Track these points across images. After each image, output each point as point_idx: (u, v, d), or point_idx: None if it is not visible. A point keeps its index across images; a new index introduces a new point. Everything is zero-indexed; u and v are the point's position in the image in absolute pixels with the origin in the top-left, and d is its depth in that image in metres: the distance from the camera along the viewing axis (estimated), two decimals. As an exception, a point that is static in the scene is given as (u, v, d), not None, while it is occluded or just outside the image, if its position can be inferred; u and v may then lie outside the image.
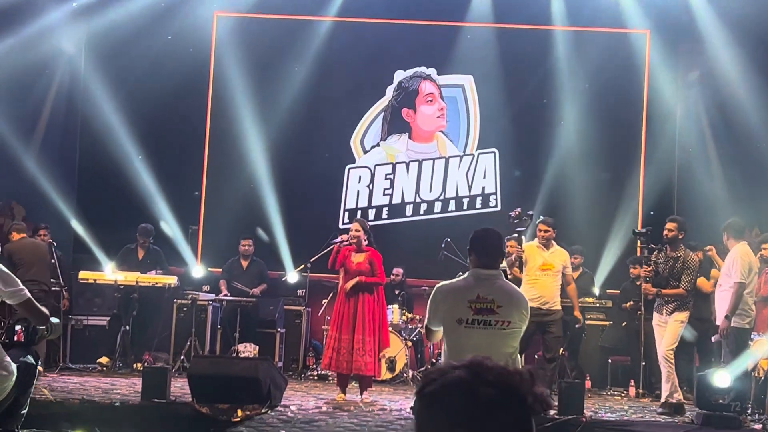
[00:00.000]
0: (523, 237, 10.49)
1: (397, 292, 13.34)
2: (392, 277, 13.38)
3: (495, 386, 1.64)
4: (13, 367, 5.63)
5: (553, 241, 10.73)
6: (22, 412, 5.85)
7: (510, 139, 14.60)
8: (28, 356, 5.91)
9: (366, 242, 10.50)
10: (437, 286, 5.84)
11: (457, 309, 5.59)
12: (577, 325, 11.41)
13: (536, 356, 12.42)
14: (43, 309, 6.02)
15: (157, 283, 12.72)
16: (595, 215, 13.78)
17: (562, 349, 10.95)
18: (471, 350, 5.59)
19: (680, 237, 10.10)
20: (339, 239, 10.70)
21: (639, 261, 11.54)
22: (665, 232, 10.13)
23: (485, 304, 5.60)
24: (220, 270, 13.62)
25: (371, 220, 14.22)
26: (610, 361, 12.46)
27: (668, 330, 9.88)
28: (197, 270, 13.97)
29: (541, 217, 10.93)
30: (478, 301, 5.60)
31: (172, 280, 12.83)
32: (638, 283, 10.58)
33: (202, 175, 14.81)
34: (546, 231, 10.67)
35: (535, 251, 10.58)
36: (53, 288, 11.76)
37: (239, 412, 8.74)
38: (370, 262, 10.36)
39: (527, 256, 10.53)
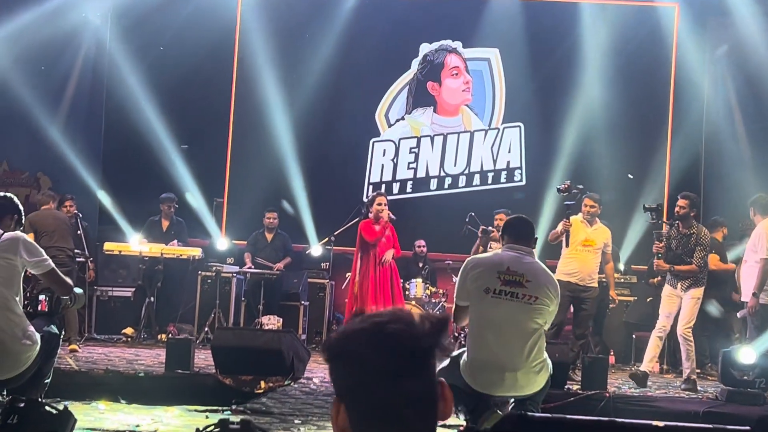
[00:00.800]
0: (570, 211, 10.40)
1: (420, 265, 13.30)
2: (415, 249, 13.36)
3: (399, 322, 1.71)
4: (37, 336, 5.66)
5: (597, 218, 10.64)
6: (46, 381, 5.89)
7: (535, 112, 14.51)
8: (52, 326, 5.94)
9: (387, 218, 10.53)
10: (469, 258, 6.01)
11: (486, 278, 5.70)
12: (611, 305, 11.36)
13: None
14: (67, 279, 6.04)
15: (181, 255, 12.75)
16: (620, 190, 13.67)
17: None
18: (496, 321, 5.64)
19: (692, 214, 10.02)
20: (388, 218, 10.58)
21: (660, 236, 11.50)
22: (677, 209, 10.06)
23: (514, 276, 5.70)
24: (245, 242, 13.63)
25: (395, 194, 14.25)
26: (634, 336, 12.41)
27: (685, 308, 9.82)
28: (222, 242, 13.99)
29: (588, 192, 10.77)
30: (508, 273, 5.71)
31: (196, 252, 12.85)
32: (653, 261, 10.48)
33: (226, 146, 14.82)
34: (592, 206, 10.54)
35: (578, 226, 10.49)
36: (78, 258, 11.80)
37: (262, 384, 8.77)
38: (393, 235, 10.39)
39: (572, 231, 10.42)
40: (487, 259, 5.89)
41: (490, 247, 11.89)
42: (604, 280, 10.99)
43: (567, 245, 10.45)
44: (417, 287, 12.65)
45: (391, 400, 1.66)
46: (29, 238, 5.77)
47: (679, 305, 9.92)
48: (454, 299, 5.96)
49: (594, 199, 10.63)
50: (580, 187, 10.61)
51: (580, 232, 10.47)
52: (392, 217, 10.47)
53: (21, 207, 5.97)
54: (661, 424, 3.51)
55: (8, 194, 6.03)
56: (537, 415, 4.03)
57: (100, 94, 14.81)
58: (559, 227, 10.40)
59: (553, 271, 6.84)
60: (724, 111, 14.01)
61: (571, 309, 10.60)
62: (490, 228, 11.76)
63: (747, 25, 13.62)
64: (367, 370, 1.67)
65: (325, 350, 1.76)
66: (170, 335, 11.74)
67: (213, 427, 3.95)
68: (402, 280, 11.90)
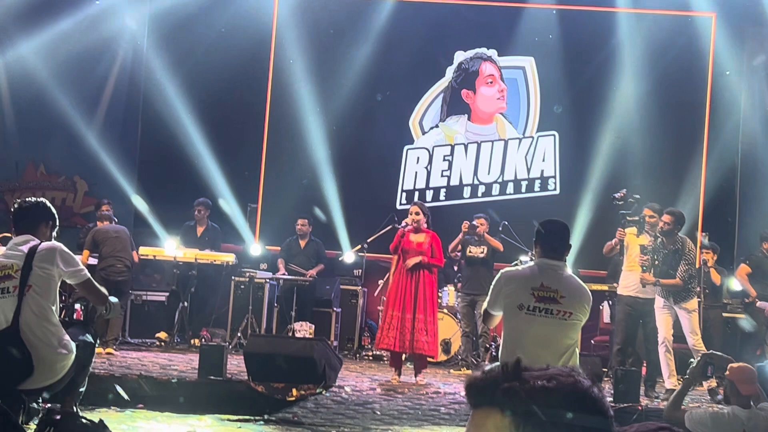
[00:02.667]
0: (626, 219, 10.33)
1: (456, 268, 13.26)
2: (449, 254, 13.36)
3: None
4: (73, 345, 5.72)
5: (646, 227, 10.53)
6: (81, 390, 5.94)
7: (570, 121, 14.46)
8: (87, 335, 6.00)
9: (425, 224, 10.51)
10: (502, 271, 5.90)
11: (520, 295, 5.62)
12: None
13: (592, 341, 12.40)
14: (102, 289, 6.09)
15: (215, 261, 12.81)
16: (656, 200, 13.57)
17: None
18: (530, 338, 5.60)
19: (676, 231, 9.99)
20: (403, 224, 10.65)
21: (708, 247, 11.49)
22: (661, 225, 10.02)
23: (548, 292, 5.62)
24: (278, 248, 13.69)
25: (428, 202, 14.20)
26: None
27: (686, 323, 9.88)
28: (255, 248, 14.06)
29: (648, 203, 10.69)
30: (542, 289, 5.62)
31: (230, 257, 12.91)
32: (640, 275, 10.38)
33: (261, 153, 14.89)
34: (651, 216, 10.41)
35: (634, 240, 10.40)
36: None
37: (294, 392, 8.81)
38: (431, 245, 10.38)
39: (629, 242, 10.33)
40: (521, 275, 5.81)
41: (469, 251, 12.00)
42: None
43: (621, 255, 10.40)
44: (450, 295, 12.63)
45: None
46: (65, 248, 5.82)
47: (674, 316, 9.94)
48: (485, 306, 5.90)
49: (653, 209, 10.50)
50: (637, 197, 10.53)
51: (636, 246, 10.35)
52: (409, 224, 10.46)
53: (55, 213, 6.02)
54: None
55: (42, 200, 6.06)
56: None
57: (136, 99, 14.94)
58: (614, 239, 10.37)
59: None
60: (761, 122, 13.90)
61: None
62: (475, 224, 11.84)
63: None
64: None
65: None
66: (203, 340, 11.82)
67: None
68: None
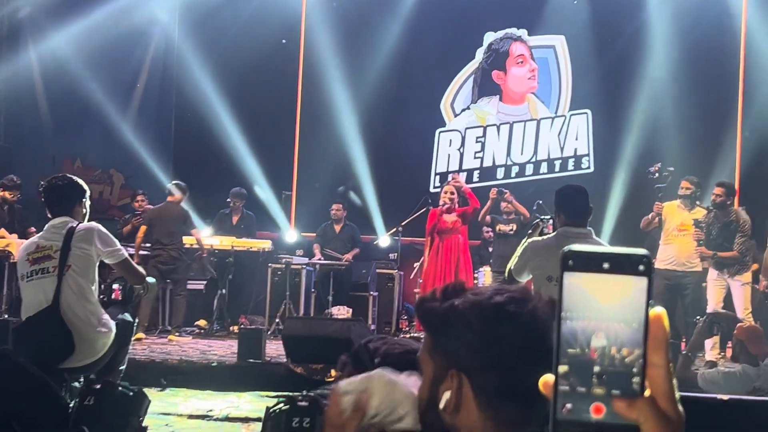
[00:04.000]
0: (660, 193, 10.33)
1: (491, 250, 13.26)
2: (483, 236, 13.36)
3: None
4: (112, 324, 5.79)
5: (697, 202, 10.51)
6: (121, 368, 6.02)
7: (603, 99, 14.39)
8: (126, 314, 6.08)
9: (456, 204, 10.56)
10: (529, 241, 5.87)
11: (548, 266, 5.60)
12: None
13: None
14: (140, 269, 6.17)
15: (251, 248, 12.90)
16: (689, 174, 13.45)
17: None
18: (561, 307, 5.58)
19: (728, 202, 9.97)
20: (442, 205, 10.63)
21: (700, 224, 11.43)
22: (713, 197, 10.03)
23: (576, 262, 5.59)
24: (313, 234, 13.75)
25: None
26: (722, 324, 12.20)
27: (738, 296, 9.83)
28: (291, 234, 14.14)
29: (686, 176, 10.68)
30: (569, 259, 5.59)
31: (266, 244, 12.98)
32: (696, 249, 10.35)
33: (294, 139, 14.96)
34: (687, 189, 10.40)
35: (674, 210, 10.38)
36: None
37: (332, 372, 8.85)
38: (462, 215, 10.42)
39: (666, 215, 10.35)
40: (547, 246, 5.77)
41: (499, 229, 12.02)
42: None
43: (662, 230, 10.39)
44: (485, 276, 12.64)
45: (525, 381, 1.55)
46: (103, 228, 5.89)
47: (727, 289, 9.92)
48: (510, 270, 5.88)
49: (690, 181, 10.47)
50: (671, 169, 10.51)
51: (676, 217, 10.34)
52: (464, 189, 10.50)
53: (84, 185, 6.08)
54: (725, 397, 3.49)
55: (69, 177, 6.11)
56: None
57: (169, 89, 15.06)
58: (652, 213, 10.36)
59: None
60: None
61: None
62: (504, 190, 12.00)
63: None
64: (505, 349, 1.63)
65: (448, 316, 1.68)
66: (242, 326, 11.90)
67: (282, 404, 4.05)
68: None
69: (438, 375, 1.70)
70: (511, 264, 5.86)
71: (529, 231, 6.46)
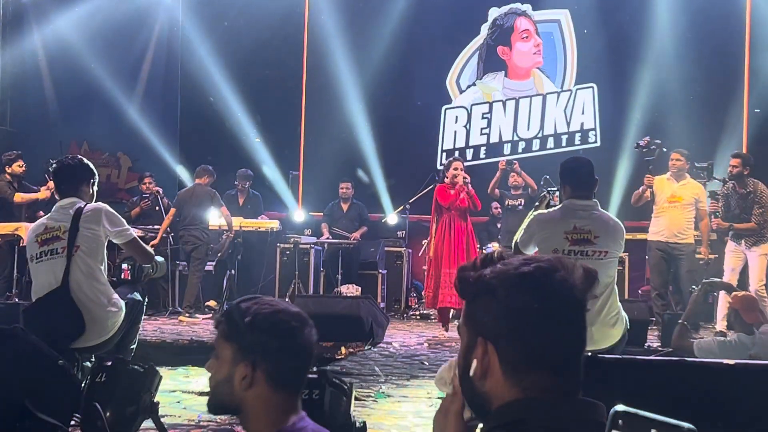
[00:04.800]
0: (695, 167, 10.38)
1: (499, 226, 13.27)
2: (492, 212, 13.37)
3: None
4: (122, 303, 5.82)
5: (687, 174, 10.56)
6: (132, 347, 6.05)
7: (608, 73, 14.34)
8: (135, 293, 6.11)
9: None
10: (536, 214, 5.88)
11: (554, 240, 5.63)
12: (701, 262, 11.24)
13: (639, 291, 12.36)
14: (149, 248, 6.20)
15: (259, 228, 12.94)
16: (696, 147, 13.44)
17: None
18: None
19: (745, 172, 10.02)
20: (462, 181, 10.58)
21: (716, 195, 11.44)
22: (729, 168, 10.13)
23: (582, 234, 5.62)
24: (321, 214, 13.78)
25: (469, 160, 14.24)
26: (715, 294, 12.24)
27: (755, 266, 9.89)
28: (299, 214, 14.17)
29: (677, 149, 10.78)
30: (575, 231, 5.62)
31: (274, 224, 13.02)
32: (714, 220, 10.44)
33: (300, 119, 14.96)
34: (678, 160, 10.50)
35: (664, 183, 10.47)
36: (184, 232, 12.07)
37: (342, 350, 8.89)
38: (469, 194, 10.43)
39: (656, 188, 10.44)
40: (553, 219, 5.78)
41: (507, 204, 12.06)
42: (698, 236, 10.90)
43: (653, 202, 10.44)
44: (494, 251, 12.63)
45: (555, 346, 1.66)
46: (110, 208, 5.92)
47: (744, 261, 9.97)
48: (516, 242, 5.89)
49: (681, 153, 10.56)
50: (658, 142, 10.52)
51: (666, 189, 10.42)
52: (467, 179, 10.50)
53: (92, 166, 6.10)
54: (731, 362, 3.50)
55: (78, 158, 6.14)
56: (607, 356, 4.06)
57: (174, 71, 15.06)
58: (642, 187, 10.40)
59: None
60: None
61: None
62: (513, 160, 12.18)
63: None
64: (528, 317, 1.65)
65: (478, 286, 1.71)
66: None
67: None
68: (479, 245, 11.95)
69: (470, 343, 1.73)
70: (517, 236, 5.88)
71: (536, 204, 6.47)
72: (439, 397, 6.57)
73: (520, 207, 12.15)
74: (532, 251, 5.74)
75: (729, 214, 10.13)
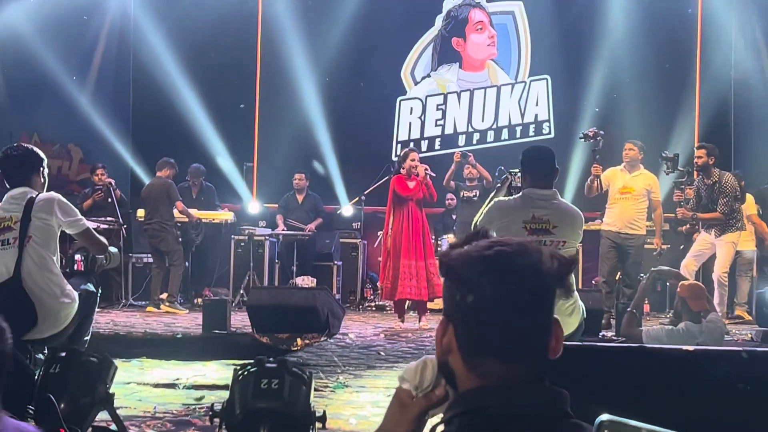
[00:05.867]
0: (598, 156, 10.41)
1: (454, 217, 13.29)
2: (447, 202, 13.37)
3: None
4: (75, 294, 5.74)
5: (640, 164, 10.63)
6: (85, 338, 5.97)
7: (562, 64, 14.42)
8: (89, 284, 6.02)
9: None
10: (495, 200, 5.88)
11: (512, 228, 5.61)
12: (654, 253, 11.34)
13: (593, 281, 12.44)
14: (102, 239, 6.09)
15: (214, 220, 12.86)
16: (649, 138, 13.54)
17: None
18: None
19: (710, 162, 10.17)
20: (424, 173, 10.54)
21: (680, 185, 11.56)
22: (695, 160, 10.33)
23: (540, 224, 5.62)
24: (276, 205, 13.71)
25: (424, 152, 14.25)
26: (668, 284, 12.37)
27: (721, 253, 10.04)
28: (253, 206, 14.11)
29: (630, 140, 10.91)
30: (533, 221, 5.62)
31: (228, 216, 12.95)
32: (678, 210, 10.62)
33: (254, 109, 14.87)
34: (630, 150, 10.60)
35: (617, 174, 10.55)
36: (112, 227, 11.92)
37: (298, 341, 8.86)
38: (426, 185, 10.41)
39: (609, 180, 10.51)
40: (512, 207, 5.77)
41: (463, 196, 12.11)
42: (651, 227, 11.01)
43: (602, 192, 10.51)
44: (449, 243, 12.65)
45: (505, 332, 1.64)
46: (63, 198, 5.83)
47: (712, 251, 10.10)
48: (476, 224, 5.88)
49: (633, 143, 10.67)
50: (602, 132, 10.56)
51: (619, 180, 10.50)
52: (431, 174, 10.48)
53: (41, 153, 5.99)
54: (691, 348, 3.52)
55: (26, 147, 6.02)
56: (567, 343, 4.07)
57: (126, 61, 14.88)
58: (590, 177, 10.45)
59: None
60: (752, 54, 13.89)
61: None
62: (468, 153, 12.24)
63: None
64: (486, 298, 1.63)
65: (444, 268, 1.71)
66: (206, 298, 11.85)
67: (250, 366, 4.04)
68: (434, 237, 11.97)
69: (441, 322, 1.74)
70: (476, 219, 5.88)
71: (498, 185, 6.47)
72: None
73: (475, 198, 12.21)
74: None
75: (701, 204, 10.27)
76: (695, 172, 10.42)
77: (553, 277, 1.67)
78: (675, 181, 10.78)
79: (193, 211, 12.51)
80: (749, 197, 11.71)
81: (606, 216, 10.68)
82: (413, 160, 10.51)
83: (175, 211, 12.15)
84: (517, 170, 6.17)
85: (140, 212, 12.62)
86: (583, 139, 10.51)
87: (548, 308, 1.69)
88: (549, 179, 5.79)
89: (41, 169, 5.89)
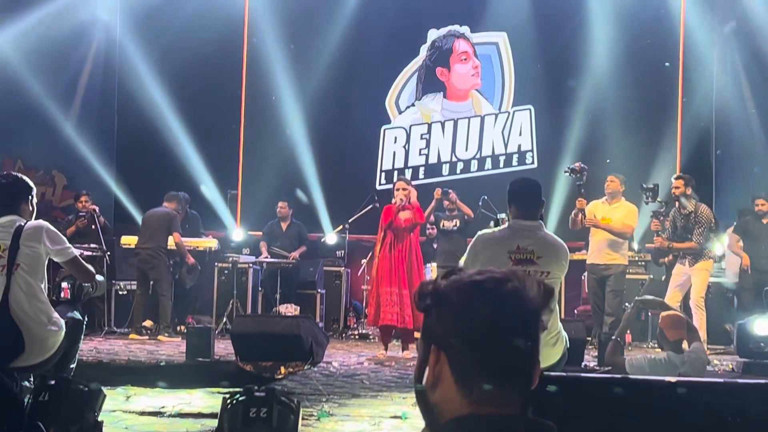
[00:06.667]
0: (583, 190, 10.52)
1: (435, 246, 13.33)
2: (428, 232, 13.40)
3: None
4: (62, 322, 5.76)
5: (621, 196, 10.80)
6: (71, 366, 5.99)
7: (545, 95, 14.54)
8: (75, 312, 6.04)
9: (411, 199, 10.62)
10: (479, 233, 5.90)
11: (497, 259, 5.63)
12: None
13: (575, 311, 12.52)
14: (89, 267, 6.12)
15: (197, 247, 12.85)
16: (631, 168, 13.68)
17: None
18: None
19: (687, 192, 10.29)
20: (400, 202, 10.61)
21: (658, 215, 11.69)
22: (672, 190, 10.46)
23: (525, 254, 5.65)
24: (260, 233, 13.73)
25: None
26: (650, 314, 12.45)
27: (696, 280, 10.18)
28: (237, 233, 14.11)
29: (614, 173, 11.15)
30: (518, 252, 5.65)
31: (212, 243, 12.96)
32: (655, 238, 10.77)
33: (239, 137, 14.91)
34: (611, 182, 10.86)
35: (597, 206, 10.77)
36: (95, 253, 11.91)
37: (282, 369, 8.87)
38: (414, 215, 10.47)
39: (592, 212, 10.66)
40: (498, 238, 5.82)
41: (443, 225, 12.16)
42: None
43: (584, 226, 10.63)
44: (433, 272, 12.71)
45: (500, 355, 1.66)
46: (51, 226, 5.85)
47: (689, 281, 10.24)
48: (461, 264, 5.91)
49: (615, 176, 10.91)
50: (586, 167, 10.68)
51: (599, 211, 10.68)
52: (403, 200, 10.51)
53: (29, 182, 6.02)
54: (673, 379, 3.57)
55: (14, 175, 6.05)
56: (552, 373, 4.12)
57: (111, 89, 14.92)
58: (575, 210, 10.57)
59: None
60: (733, 88, 14.05)
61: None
62: (448, 190, 12.17)
63: (754, 1, 13.66)
64: (480, 322, 1.66)
65: (433, 296, 1.73)
66: (189, 326, 11.85)
67: (239, 395, 4.08)
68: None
69: (424, 354, 1.74)
70: (463, 259, 5.92)
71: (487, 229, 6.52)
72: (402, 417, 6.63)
73: (455, 228, 12.28)
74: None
75: (674, 234, 10.39)
76: (676, 202, 10.54)
77: (538, 303, 1.70)
78: (653, 211, 10.92)
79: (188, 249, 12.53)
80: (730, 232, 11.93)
81: (589, 247, 10.81)
82: (397, 189, 10.58)
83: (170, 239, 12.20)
84: (504, 215, 6.22)
85: (127, 238, 12.63)
86: (568, 173, 10.60)
87: (537, 333, 1.72)
88: (534, 211, 5.82)
89: (30, 198, 5.92)
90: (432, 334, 1.74)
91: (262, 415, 3.88)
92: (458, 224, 12.26)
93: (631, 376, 4.43)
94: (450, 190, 12.29)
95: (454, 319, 1.69)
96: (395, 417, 6.62)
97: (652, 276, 12.83)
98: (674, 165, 14.00)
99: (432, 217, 12.51)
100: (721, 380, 3.83)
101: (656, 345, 10.24)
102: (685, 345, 7.44)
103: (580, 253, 11.64)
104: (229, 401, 4.01)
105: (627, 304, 9.12)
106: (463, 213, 12.37)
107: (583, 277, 12.12)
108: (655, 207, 11.14)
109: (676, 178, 10.60)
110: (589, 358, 9.79)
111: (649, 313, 12.14)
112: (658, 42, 14.36)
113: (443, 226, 12.42)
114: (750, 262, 11.66)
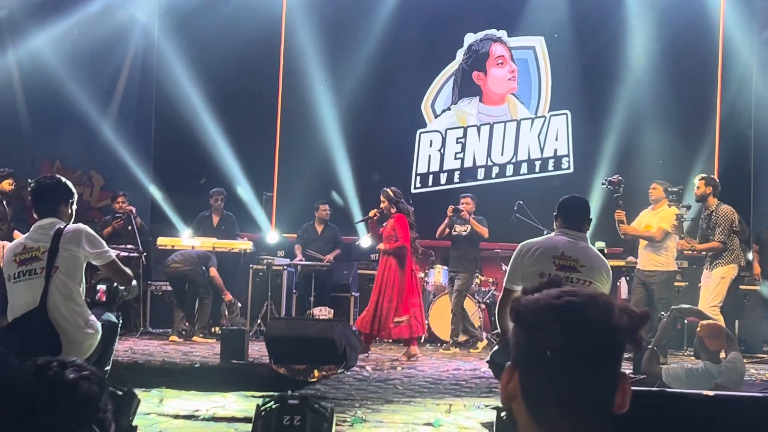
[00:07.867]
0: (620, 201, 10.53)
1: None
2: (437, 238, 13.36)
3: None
4: (99, 325, 5.81)
5: (664, 201, 10.76)
6: (106, 368, 6.03)
7: (582, 99, 14.46)
8: (110, 315, 6.09)
9: (395, 210, 10.73)
10: (522, 243, 5.97)
11: (541, 263, 5.69)
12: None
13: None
14: (127, 270, 6.17)
15: (232, 249, 12.89)
16: (669, 174, 13.58)
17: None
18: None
19: (708, 192, 10.20)
20: (371, 215, 10.92)
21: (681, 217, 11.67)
22: (694, 190, 10.35)
23: (569, 261, 5.69)
24: (294, 235, 13.76)
25: (443, 184, 14.32)
26: (686, 321, 12.34)
27: (710, 286, 10.02)
28: (272, 235, 14.14)
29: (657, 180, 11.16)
30: (562, 258, 5.70)
31: (247, 245, 12.99)
32: (678, 242, 10.68)
33: (275, 140, 14.94)
34: (654, 189, 10.88)
35: (644, 215, 10.87)
36: (132, 254, 12.01)
37: (315, 373, 8.89)
38: (393, 228, 10.58)
39: (640, 222, 10.75)
40: (541, 244, 5.88)
41: (454, 230, 12.12)
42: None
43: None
44: (436, 274, 12.61)
45: (570, 386, 1.62)
46: (90, 230, 5.90)
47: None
48: (505, 284, 5.94)
49: (657, 183, 10.96)
50: (623, 180, 10.68)
51: (644, 219, 10.74)
52: (377, 214, 10.86)
53: (71, 186, 6.09)
54: (711, 393, 3.53)
55: (57, 178, 6.12)
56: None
57: (149, 90, 15.02)
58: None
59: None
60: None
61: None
62: (459, 207, 12.02)
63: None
64: (553, 348, 1.62)
65: (513, 314, 1.70)
66: (224, 328, 11.90)
67: (272, 402, 4.08)
68: (426, 271, 12.55)
69: (506, 366, 1.74)
70: (506, 278, 5.95)
71: None
72: (414, 423, 6.62)
73: (465, 233, 12.22)
74: (520, 286, 5.78)
75: (701, 234, 10.41)
76: (689, 207, 10.61)
77: (622, 332, 1.65)
78: (677, 214, 10.83)
79: (212, 241, 12.61)
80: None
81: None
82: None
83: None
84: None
85: (164, 240, 12.71)
86: (606, 185, 10.61)
87: (616, 363, 1.68)
88: (581, 225, 5.92)
89: (71, 201, 5.98)
90: (512, 350, 1.73)
91: (296, 423, 3.89)
92: (469, 229, 12.19)
93: (668, 389, 4.39)
94: (462, 209, 12.15)
95: (527, 342, 1.68)
96: (428, 424, 6.61)
97: (688, 283, 12.73)
98: (712, 172, 13.83)
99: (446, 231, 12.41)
100: (760, 394, 3.78)
101: (692, 353, 10.18)
102: (722, 354, 7.39)
103: (616, 260, 11.57)
104: (262, 408, 4.02)
105: (663, 312, 9.03)
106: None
107: (618, 283, 12.06)
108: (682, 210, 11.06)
109: (699, 179, 10.51)
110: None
111: (685, 321, 12.04)
112: (696, 48, 14.23)
113: (455, 231, 12.32)
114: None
